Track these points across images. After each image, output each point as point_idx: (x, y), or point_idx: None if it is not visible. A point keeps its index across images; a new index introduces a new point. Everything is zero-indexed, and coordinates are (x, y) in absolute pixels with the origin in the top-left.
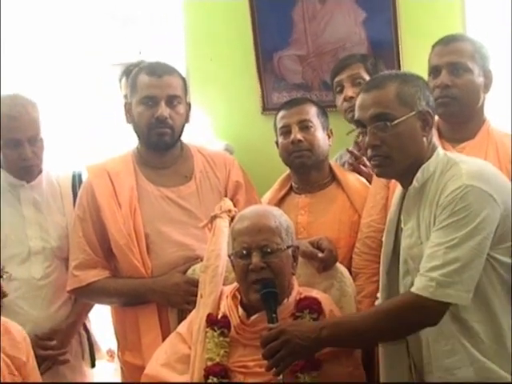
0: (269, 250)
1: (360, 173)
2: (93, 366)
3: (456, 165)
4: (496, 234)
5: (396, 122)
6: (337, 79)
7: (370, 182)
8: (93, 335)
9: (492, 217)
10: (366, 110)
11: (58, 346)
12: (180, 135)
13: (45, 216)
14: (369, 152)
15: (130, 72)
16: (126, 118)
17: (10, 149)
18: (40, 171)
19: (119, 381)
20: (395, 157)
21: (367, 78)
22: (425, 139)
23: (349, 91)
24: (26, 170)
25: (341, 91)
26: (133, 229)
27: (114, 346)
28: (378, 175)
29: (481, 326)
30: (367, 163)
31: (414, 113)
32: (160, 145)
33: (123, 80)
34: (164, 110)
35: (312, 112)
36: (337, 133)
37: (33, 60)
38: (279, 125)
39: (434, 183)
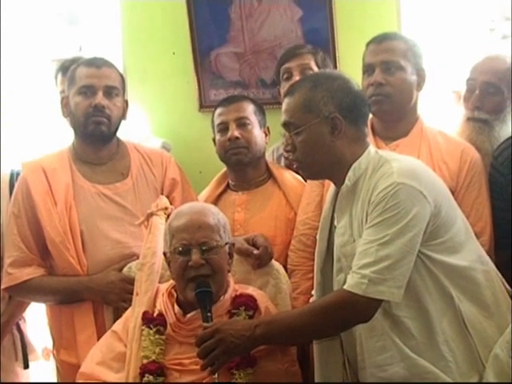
0: (208, 247)
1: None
2: (26, 366)
3: (387, 163)
4: (427, 230)
5: (297, 130)
6: (286, 66)
7: (304, 178)
8: (26, 336)
9: (423, 214)
10: (282, 116)
11: None
12: (116, 129)
13: None
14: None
15: (66, 68)
16: (63, 112)
17: None
18: None
19: (55, 380)
20: (304, 162)
21: (316, 69)
22: (339, 142)
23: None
24: None
25: (288, 78)
26: (68, 226)
27: (50, 344)
28: (304, 177)
29: (412, 322)
30: None
31: (318, 119)
32: (96, 134)
33: (59, 76)
34: (102, 99)
35: (249, 109)
36: (275, 128)
37: None
38: (216, 122)
39: (365, 181)
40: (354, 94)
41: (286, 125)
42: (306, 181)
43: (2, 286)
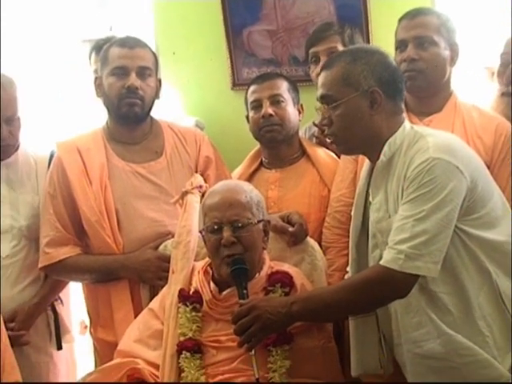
0: (240, 225)
1: (326, 145)
2: (59, 347)
3: (423, 138)
4: (463, 206)
5: (335, 103)
6: (313, 50)
7: (337, 155)
8: (61, 317)
9: (459, 189)
10: (319, 89)
11: (18, 326)
12: (150, 109)
13: (17, 194)
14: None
15: (100, 47)
16: (96, 92)
17: None
18: (16, 149)
19: (93, 358)
20: (343, 136)
21: None
22: (377, 117)
23: None
24: (2, 149)
25: (316, 62)
26: (104, 205)
27: (86, 319)
28: (337, 152)
29: (449, 298)
30: None
31: (357, 93)
32: (130, 115)
33: (93, 55)
34: (135, 80)
35: (283, 87)
36: (308, 106)
37: (6, 37)
38: (250, 99)
39: (401, 157)
40: (392, 69)
41: (323, 98)
42: (339, 158)
43: (40, 265)
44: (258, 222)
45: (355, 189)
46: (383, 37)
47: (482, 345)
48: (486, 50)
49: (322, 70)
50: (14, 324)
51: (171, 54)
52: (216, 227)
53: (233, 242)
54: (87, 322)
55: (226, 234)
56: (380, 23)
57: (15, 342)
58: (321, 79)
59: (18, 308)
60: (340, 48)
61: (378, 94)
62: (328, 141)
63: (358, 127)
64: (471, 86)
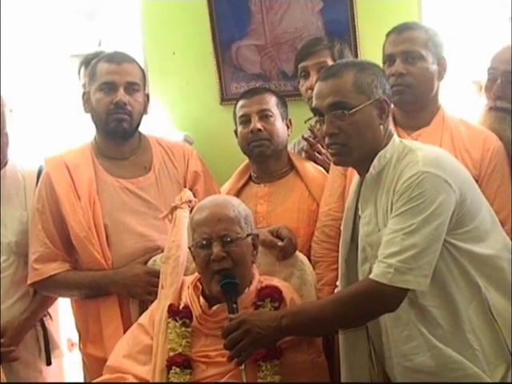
0: (229, 239)
1: (315, 160)
2: (48, 363)
3: (412, 152)
4: (452, 219)
5: (353, 110)
6: (302, 65)
7: (325, 170)
8: (50, 332)
9: (448, 202)
10: (323, 98)
11: (7, 342)
12: (138, 124)
13: (4, 210)
14: (326, 140)
15: (89, 62)
16: (84, 107)
17: None
18: (4, 164)
19: (81, 374)
20: (352, 145)
21: None
22: (382, 127)
23: (314, 80)
24: None
25: (305, 76)
26: (92, 221)
27: (74, 336)
28: (336, 163)
29: (438, 311)
30: (322, 150)
31: (370, 101)
32: (118, 131)
33: (82, 70)
34: (123, 96)
35: (272, 102)
36: (296, 121)
37: None
38: (239, 113)
39: (390, 170)
40: (387, 82)
41: (333, 106)
42: (327, 172)
43: (29, 282)
44: (247, 235)
45: (344, 203)
46: (371, 51)
47: (472, 358)
48: (474, 64)
49: (323, 79)
50: (4, 340)
51: (159, 68)
52: (205, 242)
53: (223, 257)
54: (74, 339)
55: (216, 249)
56: (367, 38)
57: (4, 358)
58: (328, 88)
59: (7, 324)
60: (330, 62)
61: (387, 104)
62: (323, 151)
63: (367, 136)
64: (459, 100)
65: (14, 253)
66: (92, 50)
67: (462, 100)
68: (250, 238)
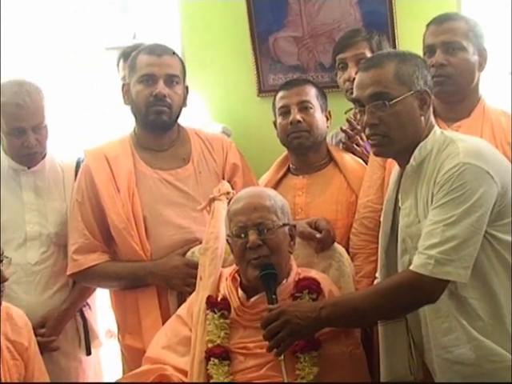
0: (265, 228)
1: (353, 152)
2: (88, 353)
3: (453, 143)
4: (493, 211)
5: (394, 100)
6: (340, 56)
7: (363, 161)
8: (90, 322)
9: (489, 194)
10: (364, 88)
11: (49, 332)
12: (177, 116)
13: (45, 202)
14: (367, 131)
15: (128, 54)
16: (124, 99)
17: (15, 136)
18: (43, 156)
19: (120, 365)
20: (393, 136)
21: None
22: (422, 118)
23: (352, 72)
24: (29, 157)
25: (343, 68)
26: (131, 212)
27: (113, 327)
28: (376, 154)
29: (479, 304)
30: (360, 142)
31: (412, 92)
32: (158, 123)
33: (121, 62)
34: (162, 88)
35: (312, 93)
36: (333, 112)
37: (31, 44)
38: (278, 105)
39: (431, 162)
40: (429, 73)
41: (374, 96)
42: (366, 164)
43: (68, 272)
44: (284, 225)
45: (383, 195)
46: (409, 42)
47: None
48: None
49: (364, 69)
50: (45, 330)
51: (197, 60)
52: (241, 231)
53: (259, 245)
54: (113, 330)
55: (252, 237)
56: (406, 29)
57: (45, 348)
58: (369, 78)
59: (47, 314)
60: (368, 54)
61: (428, 95)
62: (361, 143)
63: (410, 127)
64: (499, 91)
65: (54, 244)
66: (127, 42)
67: (502, 91)
68: (286, 228)
